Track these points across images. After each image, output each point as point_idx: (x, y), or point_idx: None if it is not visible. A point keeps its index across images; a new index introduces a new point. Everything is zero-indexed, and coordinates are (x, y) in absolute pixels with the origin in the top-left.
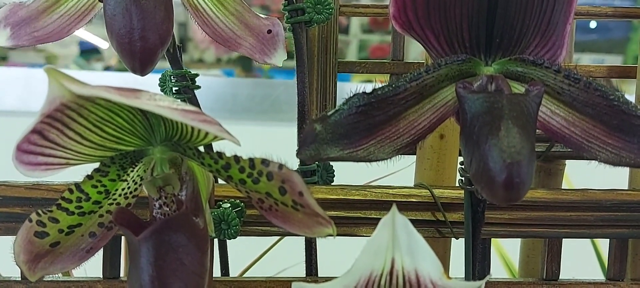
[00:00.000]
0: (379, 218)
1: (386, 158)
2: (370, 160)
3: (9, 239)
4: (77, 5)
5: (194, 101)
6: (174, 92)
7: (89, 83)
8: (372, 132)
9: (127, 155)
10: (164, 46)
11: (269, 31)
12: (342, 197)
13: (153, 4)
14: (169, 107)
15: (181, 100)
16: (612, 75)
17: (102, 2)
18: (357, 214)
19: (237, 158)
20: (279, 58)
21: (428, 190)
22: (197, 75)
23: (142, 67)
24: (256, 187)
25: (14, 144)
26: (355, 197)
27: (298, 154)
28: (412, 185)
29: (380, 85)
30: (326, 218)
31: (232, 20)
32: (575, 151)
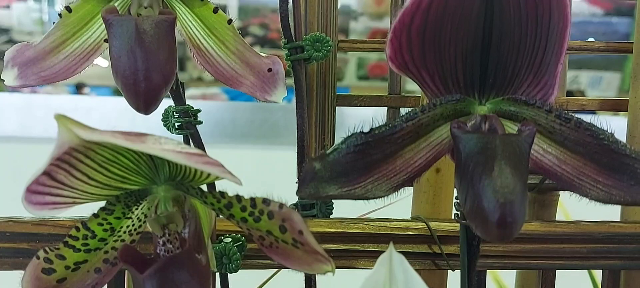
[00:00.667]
0: (377, 251)
1: (383, 196)
2: (367, 198)
3: (17, 274)
4: (82, 45)
5: (196, 136)
6: (176, 127)
7: (96, 128)
8: (369, 170)
9: (132, 194)
10: (168, 86)
11: (270, 70)
12: (341, 230)
13: (157, 45)
14: (173, 151)
15: (184, 136)
16: (604, 108)
17: (107, 42)
18: (355, 247)
19: (239, 198)
20: (280, 95)
21: (425, 224)
22: (199, 111)
23: (146, 106)
24: (257, 225)
25: (24, 187)
26: (354, 230)
27: (298, 192)
28: (408, 217)
29: (377, 126)
30: (325, 256)
31: (233, 60)
32: (567, 188)
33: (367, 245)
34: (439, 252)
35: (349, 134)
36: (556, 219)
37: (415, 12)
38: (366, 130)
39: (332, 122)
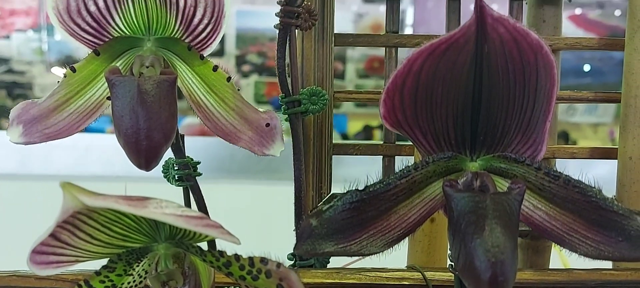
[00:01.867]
0: None
1: (379, 252)
2: (363, 254)
3: None
4: (86, 103)
5: (195, 188)
6: (176, 179)
7: (100, 193)
8: (365, 227)
9: (133, 252)
10: (169, 143)
11: (268, 125)
12: (338, 281)
13: (158, 105)
14: (174, 215)
15: (183, 189)
16: (594, 156)
17: (110, 99)
18: None
19: (237, 257)
20: (277, 149)
21: (420, 273)
22: (198, 162)
23: (147, 164)
24: (255, 283)
25: (29, 249)
26: (350, 281)
27: (295, 249)
28: (404, 265)
29: (372, 183)
30: None
31: (232, 116)
32: (558, 243)
33: None
34: None
35: (344, 191)
36: (550, 266)
37: (407, 74)
38: (361, 188)
39: (329, 171)
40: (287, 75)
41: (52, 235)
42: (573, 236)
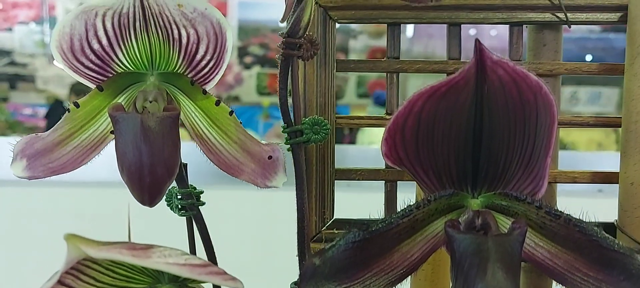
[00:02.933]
0: None
1: None
2: None
3: None
4: (90, 137)
5: (199, 218)
6: (180, 208)
7: (104, 242)
8: (367, 266)
9: None
10: (172, 178)
11: (270, 157)
12: None
13: (162, 141)
14: (178, 264)
15: (187, 218)
16: (595, 180)
17: (113, 133)
18: None
19: None
20: (280, 181)
21: None
22: (201, 192)
23: (151, 199)
24: None
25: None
26: None
27: None
28: None
29: (375, 221)
30: None
31: (235, 149)
32: (560, 282)
33: None
34: None
35: (347, 231)
36: None
37: (408, 114)
38: (363, 227)
39: (332, 196)
40: (289, 105)
41: (57, 282)
42: (575, 275)
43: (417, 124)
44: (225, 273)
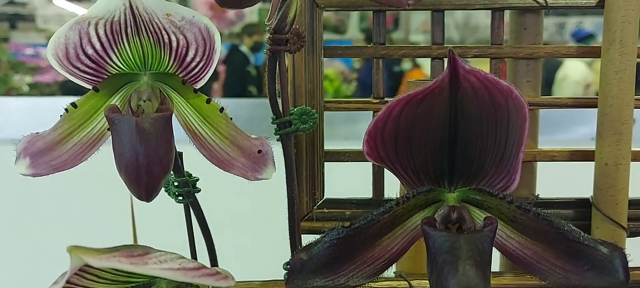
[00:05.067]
0: None
1: (365, 282)
2: (350, 286)
3: None
4: (88, 135)
5: (196, 205)
6: (176, 195)
7: (105, 252)
8: (351, 259)
9: (137, 286)
10: (167, 174)
11: (260, 151)
12: None
13: (156, 141)
14: (172, 269)
15: (184, 205)
16: (574, 158)
17: (110, 131)
18: None
19: None
20: (270, 173)
21: (407, 282)
22: (197, 179)
23: (147, 195)
24: None
25: None
26: None
27: (287, 284)
28: (392, 271)
29: (357, 220)
30: None
31: (226, 144)
32: (529, 271)
33: None
34: None
35: (331, 228)
36: None
37: (387, 119)
38: (347, 224)
39: (322, 178)
40: (277, 96)
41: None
42: (543, 264)
43: (395, 128)
44: (217, 273)
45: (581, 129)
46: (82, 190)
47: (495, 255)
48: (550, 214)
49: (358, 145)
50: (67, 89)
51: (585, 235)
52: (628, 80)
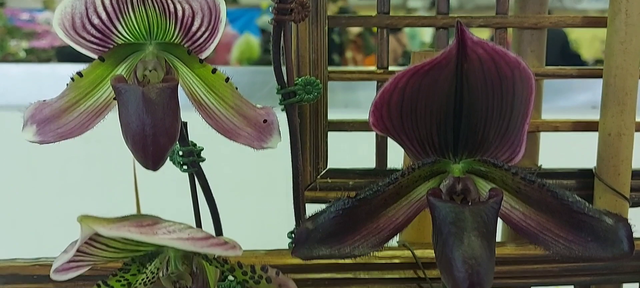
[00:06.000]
0: (368, 279)
1: (369, 252)
2: (355, 256)
3: None
4: (95, 104)
5: (200, 174)
6: (181, 164)
7: (115, 221)
8: (356, 229)
9: (146, 255)
10: (173, 144)
11: (265, 121)
12: (334, 262)
13: (162, 111)
14: (181, 239)
15: (189, 174)
16: (577, 129)
17: (116, 100)
18: (347, 275)
19: (240, 264)
20: (275, 142)
21: (410, 251)
22: (202, 149)
23: (154, 165)
24: (258, 286)
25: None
26: (346, 260)
27: (293, 253)
28: (395, 241)
29: (363, 190)
30: None
31: (232, 113)
32: (532, 242)
33: (358, 273)
34: (424, 276)
35: (337, 199)
36: None
37: (393, 90)
38: (352, 195)
39: (325, 148)
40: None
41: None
42: (546, 235)
43: (401, 99)
44: (225, 243)
45: (582, 95)
46: (83, 156)
47: (498, 224)
48: (554, 185)
49: (358, 113)
50: (64, 54)
51: (590, 205)
52: (633, 50)
